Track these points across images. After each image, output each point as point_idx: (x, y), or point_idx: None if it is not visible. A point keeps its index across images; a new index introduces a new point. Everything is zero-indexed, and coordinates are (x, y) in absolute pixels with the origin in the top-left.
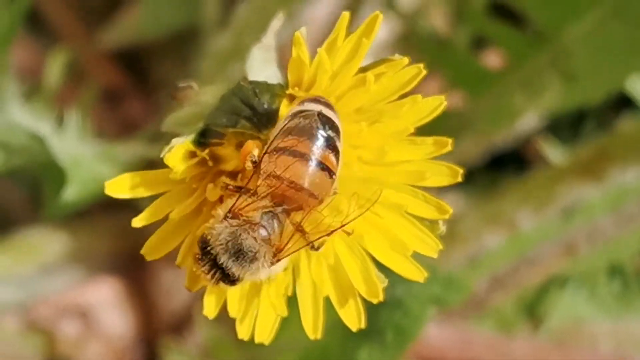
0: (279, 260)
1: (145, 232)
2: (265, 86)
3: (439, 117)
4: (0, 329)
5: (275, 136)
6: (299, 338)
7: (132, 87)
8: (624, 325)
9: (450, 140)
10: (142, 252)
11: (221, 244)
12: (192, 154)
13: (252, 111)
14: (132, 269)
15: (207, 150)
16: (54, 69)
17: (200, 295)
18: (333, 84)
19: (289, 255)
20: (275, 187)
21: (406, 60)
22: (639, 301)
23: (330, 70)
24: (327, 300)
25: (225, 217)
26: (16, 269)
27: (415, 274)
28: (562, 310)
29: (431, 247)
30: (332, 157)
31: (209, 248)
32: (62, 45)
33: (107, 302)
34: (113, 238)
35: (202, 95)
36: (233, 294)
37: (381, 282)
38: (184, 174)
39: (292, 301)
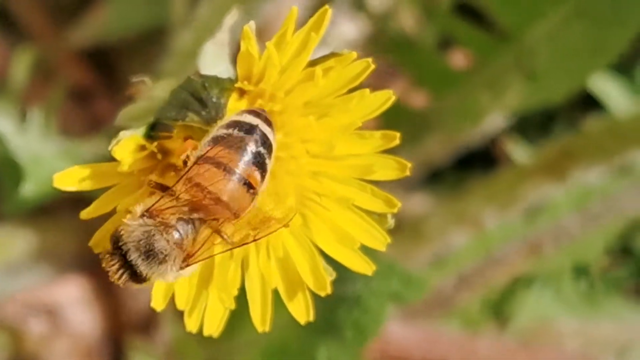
0: (188, 265)
1: None
2: (214, 80)
3: (405, 116)
4: None
5: (206, 143)
6: (260, 336)
7: (101, 86)
8: (590, 324)
9: (398, 134)
10: (90, 244)
11: (133, 242)
12: (142, 147)
13: (201, 105)
14: (99, 267)
15: (155, 143)
16: (21, 66)
17: None
18: (282, 78)
19: (198, 262)
20: (195, 196)
21: (354, 54)
22: (605, 301)
23: (279, 65)
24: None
25: (142, 215)
26: None
27: (363, 267)
28: (528, 310)
29: (379, 241)
30: (256, 174)
31: (120, 244)
32: (30, 44)
33: (74, 300)
34: (80, 236)
35: (154, 90)
36: (181, 286)
37: (329, 275)
38: (133, 166)
39: None
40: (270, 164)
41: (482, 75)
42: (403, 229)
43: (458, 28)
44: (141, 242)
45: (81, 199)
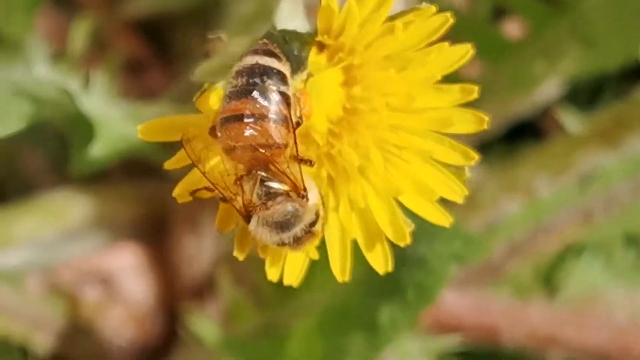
0: (302, 196)
1: (170, 199)
2: (294, 34)
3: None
4: (23, 291)
5: (222, 105)
6: (318, 299)
7: (154, 57)
8: (639, 294)
9: (476, 88)
10: (174, 194)
11: (271, 236)
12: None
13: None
14: (155, 235)
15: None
16: (79, 36)
17: (220, 261)
18: (362, 31)
19: (298, 181)
20: (239, 158)
21: (434, 8)
22: None
23: (359, 18)
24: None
25: (248, 216)
26: (40, 232)
27: (441, 219)
28: (578, 279)
29: (457, 193)
30: (273, 106)
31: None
32: (85, 15)
33: (129, 268)
34: (136, 204)
35: (230, 46)
36: None
37: (408, 226)
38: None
39: (313, 262)
40: (288, 88)
41: (537, 44)
42: None
43: None
44: (274, 228)
45: (138, 169)
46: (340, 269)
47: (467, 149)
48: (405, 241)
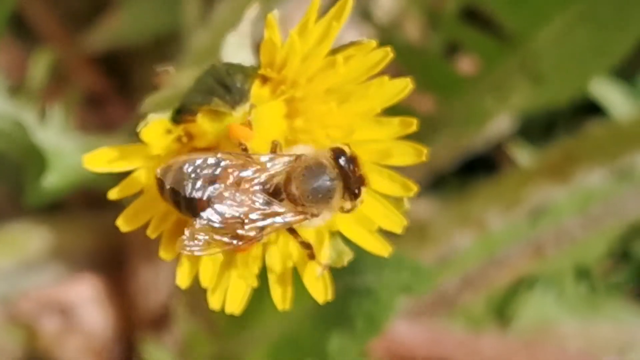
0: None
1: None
2: (238, 67)
3: None
4: None
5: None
6: (271, 330)
7: (114, 91)
8: (591, 326)
9: (415, 121)
10: (118, 223)
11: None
12: (168, 131)
13: (226, 90)
14: (113, 266)
15: (181, 127)
16: (39, 69)
17: (176, 292)
18: (304, 65)
19: None
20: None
21: (374, 43)
22: (606, 303)
23: (301, 52)
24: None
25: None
26: None
27: (380, 248)
28: (530, 311)
29: (396, 223)
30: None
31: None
32: (46, 48)
33: (87, 298)
34: (94, 236)
35: (178, 79)
36: (205, 265)
37: (347, 255)
38: (159, 149)
39: (263, 294)
40: None
41: (488, 79)
42: (409, 232)
43: (464, 34)
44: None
45: (96, 198)
46: (281, 298)
47: (406, 181)
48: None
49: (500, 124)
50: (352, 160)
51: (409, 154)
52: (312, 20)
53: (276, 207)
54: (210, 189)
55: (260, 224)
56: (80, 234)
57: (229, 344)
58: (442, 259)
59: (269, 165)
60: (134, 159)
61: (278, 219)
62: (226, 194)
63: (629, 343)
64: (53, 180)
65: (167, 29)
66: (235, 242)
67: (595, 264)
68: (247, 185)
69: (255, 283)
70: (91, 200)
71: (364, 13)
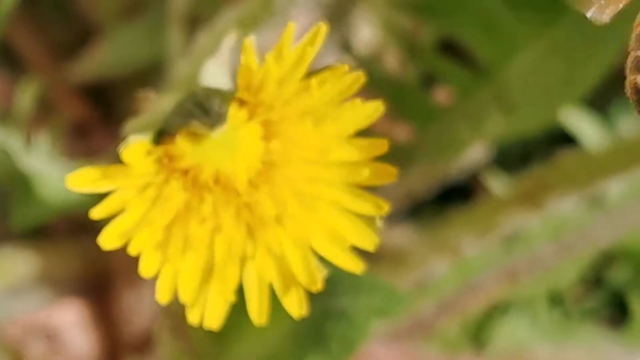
0: None
1: (111, 256)
2: (216, 91)
3: (388, 149)
4: None
5: None
6: (252, 351)
7: (99, 121)
8: (564, 351)
9: (387, 142)
10: (100, 241)
11: None
12: (149, 152)
13: (204, 113)
14: (98, 291)
15: (161, 149)
16: (25, 98)
17: (159, 315)
18: (280, 89)
19: None
20: None
21: (347, 67)
22: (579, 328)
23: (277, 76)
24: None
25: None
26: None
27: (353, 266)
28: (505, 336)
29: (368, 241)
30: None
31: None
32: (32, 77)
33: (72, 323)
34: (80, 261)
35: (159, 104)
36: (184, 281)
37: (320, 272)
38: (141, 169)
39: (243, 316)
40: None
41: (462, 108)
42: (385, 259)
43: (440, 65)
44: None
45: (81, 224)
46: (258, 313)
47: (378, 200)
48: (317, 287)
49: (475, 152)
50: None
51: (380, 174)
52: (288, 45)
53: None
54: None
55: None
56: (66, 259)
57: None
58: (418, 285)
59: None
60: (115, 178)
61: None
62: None
63: None
64: (38, 205)
65: (151, 59)
66: None
67: (568, 289)
68: None
69: (233, 298)
70: (76, 226)
71: (344, 44)
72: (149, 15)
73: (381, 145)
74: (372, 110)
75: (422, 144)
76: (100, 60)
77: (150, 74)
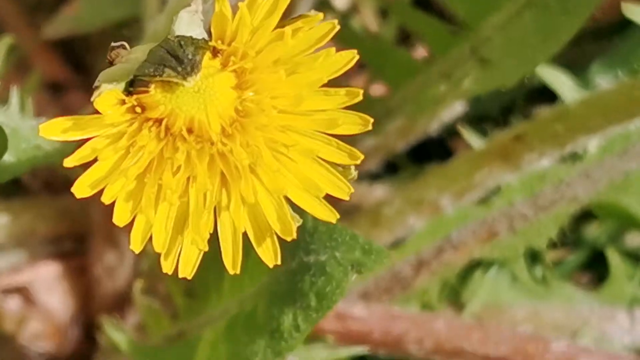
0: None
1: (90, 216)
2: (190, 40)
3: (366, 105)
4: None
5: None
6: (227, 308)
7: (73, 78)
8: (543, 309)
9: (361, 91)
10: (73, 189)
11: None
12: (122, 101)
13: (178, 61)
14: (74, 250)
15: (134, 97)
16: None
17: (138, 274)
18: (253, 37)
19: None
20: None
21: (321, 16)
22: (558, 288)
23: (250, 25)
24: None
25: None
26: None
27: (327, 215)
28: (484, 293)
29: (343, 190)
30: None
31: None
32: (5, 36)
33: (48, 281)
34: (56, 220)
35: (132, 53)
36: (158, 230)
37: (295, 222)
38: (114, 118)
39: (218, 271)
40: None
41: (439, 65)
42: (364, 216)
43: (417, 21)
44: None
45: (56, 185)
46: (232, 262)
47: (353, 150)
48: (292, 235)
49: (453, 109)
50: None
51: (356, 123)
52: None
53: None
54: None
55: None
56: (42, 218)
57: (187, 324)
58: (397, 241)
59: None
60: (88, 128)
61: None
62: None
63: (579, 326)
64: (12, 158)
65: (126, 16)
66: None
67: (547, 247)
68: None
69: (206, 247)
70: (52, 183)
71: (322, 1)
72: None
73: (355, 94)
74: (347, 59)
75: (399, 101)
76: (75, 17)
77: (125, 32)
